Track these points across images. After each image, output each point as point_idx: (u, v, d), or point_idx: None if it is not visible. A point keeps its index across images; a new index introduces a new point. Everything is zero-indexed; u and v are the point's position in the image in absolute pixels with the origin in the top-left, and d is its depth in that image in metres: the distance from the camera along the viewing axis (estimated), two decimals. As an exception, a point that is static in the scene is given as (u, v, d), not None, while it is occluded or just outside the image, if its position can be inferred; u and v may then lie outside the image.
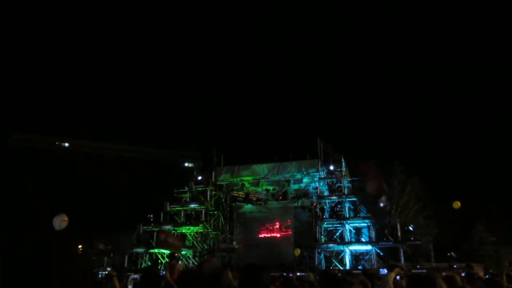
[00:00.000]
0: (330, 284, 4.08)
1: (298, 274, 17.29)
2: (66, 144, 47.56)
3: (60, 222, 13.39)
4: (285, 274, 13.77)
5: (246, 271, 3.44)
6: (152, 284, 4.07)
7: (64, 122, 51.35)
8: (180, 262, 13.77)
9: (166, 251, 25.90)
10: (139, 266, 26.56)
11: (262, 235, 28.27)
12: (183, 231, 28.28)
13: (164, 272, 8.38)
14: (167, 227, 27.77)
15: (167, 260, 23.93)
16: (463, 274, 6.78)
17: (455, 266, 21.24)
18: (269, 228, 28.23)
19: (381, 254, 24.40)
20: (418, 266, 21.33)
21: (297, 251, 24.55)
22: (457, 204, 22.59)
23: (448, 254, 26.40)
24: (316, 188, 27.67)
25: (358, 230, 25.76)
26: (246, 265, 3.50)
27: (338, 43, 73.73)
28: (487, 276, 8.10)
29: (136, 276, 18.66)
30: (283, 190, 28.80)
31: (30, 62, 61.89)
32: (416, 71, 69.17)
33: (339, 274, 4.33)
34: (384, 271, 17.99)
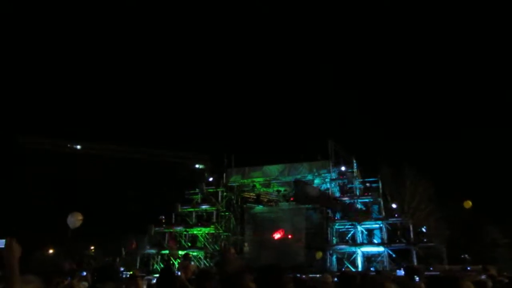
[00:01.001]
0: (350, 285, 4.05)
1: (310, 275, 17.24)
2: (78, 147, 47.91)
3: (75, 220, 13.41)
4: (298, 275, 13.71)
5: (266, 272, 3.42)
6: (169, 284, 4.08)
7: (76, 124, 51.78)
8: (192, 263, 13.79)
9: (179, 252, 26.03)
10: (150, 267, 26.67)
11: (273, 236, 28.20)
12: (195, 232, 28.35)
13: (178, 273, 8.43)
14: (179, 228, 27.89)
15: (179, 261, 24.02)
16: (482, 277, 6.67)
17: (468, 268, 21.01)
18: (280, 229, 28.15)
19: (393, 255, 24.22)
20: (431, 268, 21.11)
21: (319, 254, 24.34)
22: (468, 204, 22.40)
23: (462, 256, 26.05)
24: (328, 189, 27.56)
25: (370, 232, 25.61)
26: (266, 266, 3.48)
27: (349, 41, 73.37)
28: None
29: (148, 277, 18.71)
30: (294, 192, 28.71)
31: (40, 65, 62.51)
32: (431, 68, 68.54)
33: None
34: (401, 272, 17.87)
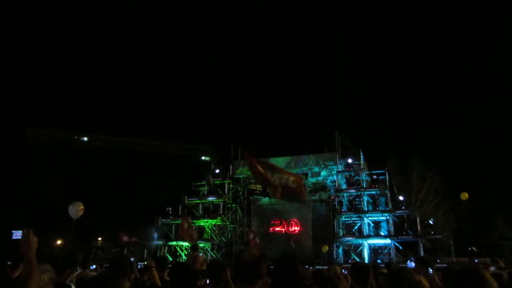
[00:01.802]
0: (363, 275, 4.04)
1: (317, 267, 17.23)
2: (85, 139, 48.20)
3: (76, 210, 13.36)
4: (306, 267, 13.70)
5: (282, 262, 3.42)
6: (184, 277, 4.07)
7: (83, 116, 52.00)
8: (200, 254, 13.83)
9: (185, 244, 26.13)
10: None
11: (280, 228, 28.23)
12: (201, 224, 28.45)
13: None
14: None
15: (187, 253, 24.15)
16: (491, 268, 6.62)
17: (476, 260, 20.94)
18: (287, 221, 28.16)
19: (400, 248, 24.17)
20: (438, 261, 21.05)
21: (325, 248, 24.31)
22: (464, 196, 22.31)
23: (469, 248, 25.94)
24: (334, 181, 27.49)
25: (376, 224, 25.58)
26: (282, 256, 3.47)
27: (356, 34, 72.88)
28: None
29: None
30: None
31: (49, 58, 62.69)
32: (438, 61, 68.03)
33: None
34: (411, 264, 17.83)
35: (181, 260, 24.03)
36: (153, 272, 4.76)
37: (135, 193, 34.42)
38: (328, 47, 75.66)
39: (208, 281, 4.71)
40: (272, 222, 28.48)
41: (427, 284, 2.32)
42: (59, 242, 29.84)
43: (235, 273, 3.41)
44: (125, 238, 22.37)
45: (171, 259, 24.26)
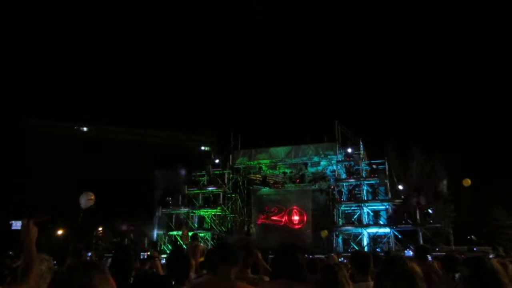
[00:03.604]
0: (363, 264, 4.05)
1: (316, 256, 17.31)
2: (85, 129, 48.14)
3: (86, 200, 13.37)
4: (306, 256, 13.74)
5: (282, 251, 3.44)
6: (181, 265, 4.10)
7: (82, 106, 51.89)
8: (201, 244, 13.91)
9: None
10: (158, 248, 26.99)
11: (279, 218, 28.35)
12: (201, 213, 28.59)
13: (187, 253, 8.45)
14: (185, 210, 28.13)
15: (189, 242, 24.27)
16: (491, 256, 6.64)
17: (475, 249, 21.08)
18: (287, 211, 28.27)
19: (400, 237, 24.31)
20: (437, 249, 21.18)
21: (325, 233, 24.43)
22: (467, 182, 22.33)
23: (468, 237, 26.10)
24: (334, 171, 27.54)
25: (376, 213, 25.69)
26: (283, 245, 3.49)
27: (356, 25, 72.46)
28: None
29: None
30: (300, 173, 28.71)
31: (48, 47, 62.32)
32: (438, 51, 67.76)
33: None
34: (409, 253, 17.97)
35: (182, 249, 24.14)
36: (156, 261, 4.78)
37: (135, 183, 34.44)
38: (327, 34, 75.26)
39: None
40: (271, 211, 28.58)
41: (420, 270, 2.31)
42: (60, 232, 29.95)
43: (218, 253, 3.50)
44: (124, 227, 22.52)
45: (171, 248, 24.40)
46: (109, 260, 4.90)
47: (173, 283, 3.49)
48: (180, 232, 26.34)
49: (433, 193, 24.54)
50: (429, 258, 5.12)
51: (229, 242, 3.35)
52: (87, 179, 31.93)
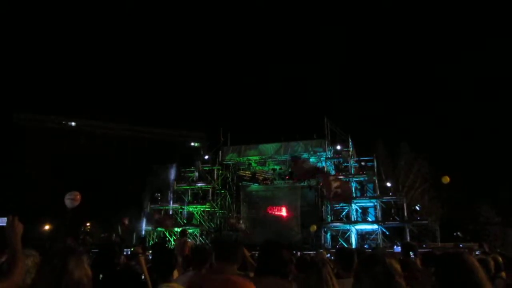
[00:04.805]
0: (348, 260, 4.10)
1: (305, 252, 17.40)
2: (73, 124, 47.72)
3: (71, 200, 13.33)
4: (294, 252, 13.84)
5: (266, 248, 3.46)
6: (166, 259, 4.10)
7: (70, 101, 51.40)
8: (189, 240, 13.94)
9: (175, 229, 26.24)
10: (147, 244, 26.91)
11: (269, 214, 28.42)
12: (190, 209, 28.54)
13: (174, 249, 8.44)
14: (174, 205, 28.06)
15: (177, 238, 24.24)
16: (477, 253, 6.75)
17: (461, 245, 21.33)
18: (276, 207, 28.35)
19: (387, 233, 24.53)
20: (424, 246, 21.40)
21: (313, 227, 24.48)
22: (446, 179, 22.58)
23: (455, 233, 26.42)
24: (323, 167, 27.63)
25: (364, 210, 25.87)
26: (266, 242, 3.51)
27: (346, 23, 72.68)
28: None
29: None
30: (289, 170, 28.78)
31: (37, 42, 61.61)
32: (429, 46, 68.27)
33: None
34: (398, 249, 18.10)
35: (170, 245, 24.13)
36: (140, 258, 4.77)
37: (124, 178, 34.28)
38: (316, 31, 75.40)
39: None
40: (261, 208, 28.64)
41: (398, 267, 2.35)
42: (47, 227, 29.72)
43: (215, 251, 3.51)
44: (126, 221, 22.48)
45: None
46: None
47: (155, 278, 3.50)
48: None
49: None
50: (412, 255, 5.19)
51: (223, 238, 3.33)
52: (75, 174, 31.73)
